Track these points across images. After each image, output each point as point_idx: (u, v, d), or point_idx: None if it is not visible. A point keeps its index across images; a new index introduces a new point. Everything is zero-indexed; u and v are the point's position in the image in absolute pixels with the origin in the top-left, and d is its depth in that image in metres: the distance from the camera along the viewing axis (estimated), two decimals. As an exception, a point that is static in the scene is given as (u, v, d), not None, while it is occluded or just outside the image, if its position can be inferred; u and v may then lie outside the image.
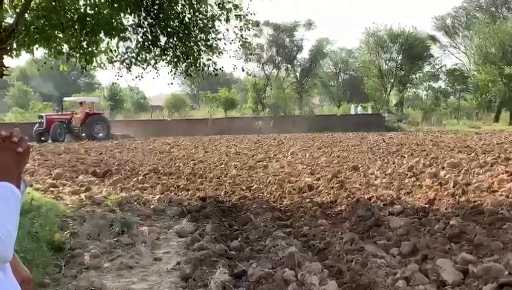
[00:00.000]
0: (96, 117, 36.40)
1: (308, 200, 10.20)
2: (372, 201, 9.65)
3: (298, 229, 7.77)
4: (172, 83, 14.20)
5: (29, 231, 6.73)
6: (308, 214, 8.78)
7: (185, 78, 13.29)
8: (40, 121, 35.21)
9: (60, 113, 38.15)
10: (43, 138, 34.07)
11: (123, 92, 62.78)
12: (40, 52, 12.54)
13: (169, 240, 7.59)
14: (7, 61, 12.18)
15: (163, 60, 12.15)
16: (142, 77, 12.40)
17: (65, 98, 43.09)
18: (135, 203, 10.17)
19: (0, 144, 1.93)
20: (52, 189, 11.99)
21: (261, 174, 14.49)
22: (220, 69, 12.53)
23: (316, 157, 18.80)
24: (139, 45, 11.85)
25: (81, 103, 38.30)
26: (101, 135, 35.79)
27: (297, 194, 10.92)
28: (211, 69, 12.40)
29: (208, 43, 11.93)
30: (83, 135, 35.33)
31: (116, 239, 7.31)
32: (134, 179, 13.44)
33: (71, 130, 35.45)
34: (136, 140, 33.93)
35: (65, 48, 11.70)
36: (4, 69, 11.30)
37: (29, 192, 9.34)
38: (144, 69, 12.21)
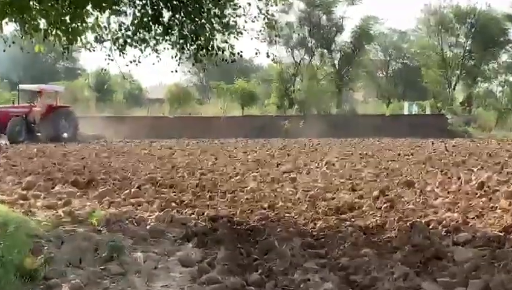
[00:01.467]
0: (61, 111, 36.13)
1: (347, 223, 10.15)
2: (431, 226, 9.58)
3: (335, 261, 7.74)
4: (176, 71, 14.21)
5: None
6: (348, 241, 8.74)
7: (193, 64, 13.30)
8: None
9: (16, 105, 37.69)
10: None
11: (112, 80, 63.23)
12: (9, 27, 12.62)
13: (170, 270, 7.61)
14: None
15: (166, 41, 12.17)
16: (139, 62, 12.44)
17: (21, 85, 42.21)
18: (127, 222, 10.21)
19: None
20: (21, 202, 12.09)
21: (288, 189, 14.46)
22: (239, 53, 12.53)
23: (358, 168, 18.73)
24: (136, 21, 11.87)
25: (39, 92, 37.83)
26: (66, 134, 35.64)
27: (334, 216, 10.87)
28: (227, 53, 12.41)
29: (224, 20, 11.93)
30: (42, 134, 35.10)
31: (102, 267, 7.34)
32: (126, 192, 13.50)
33: (28, 127, 35.16)
34: (112, 142, 33.97)
35: (42, 23, 11.77)
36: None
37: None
38: (142, 51, 12.25)
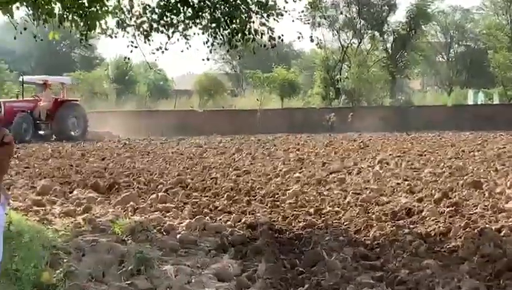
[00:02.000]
0: (70, 106, 35.98)
1: (406, 230, 10.11)
2: (502, 233, 9.51)
3: (393, 273, 7.71)
4: (208, 59, 14.12)
5: (6, 268, 6.90)
6: (407, 251, 8.72)
7: (227, 51, 13.34)
8: None
9: (21, 99, 37.51)
10: None
11: (135, 70, 63.61)
12: (20, 12, 12.74)
13: (204, 285, 7.65)
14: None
15: (196, 25, 12.22)
16: (166, 49, 12.51)
17: (24, 77, 41.81)
18: (154, 230, 10.29)
19: None
20: (36, 208, 12.24)
21: (336, 191, 14.44)
22: (279, 37, 12.54)
23: (417, 167, 18.63)
24: (162, 3, 11.96)
25: (44, 84, 37.75)
26: (76, 132, 35.79)
27: (390, 222, 10.85)
28: (266, 38, 12.42)
29: (262, 0, 11.95)
30: (49, 131, 35.33)
31: (129, 282, 7.41)
32: (153, 196, 13.60)
33: (34, 124, 35.07)
34: (120, 140, 34.06)
35: (57, 7, 11.88)
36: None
37: (6, 213, 9.58)
38: (169, 37, 12.32)
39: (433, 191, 13.73)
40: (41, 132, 35.31)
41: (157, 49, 12.56)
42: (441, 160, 20.53)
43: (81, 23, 11.79)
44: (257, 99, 50.42)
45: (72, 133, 35.25)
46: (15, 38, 12.46)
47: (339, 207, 12.42)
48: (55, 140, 33.68)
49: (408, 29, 60.08)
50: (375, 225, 10.63)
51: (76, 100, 39.06)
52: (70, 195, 14.20)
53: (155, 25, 12.18)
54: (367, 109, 49.97)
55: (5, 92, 53.65)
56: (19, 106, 35.20)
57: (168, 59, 43.93)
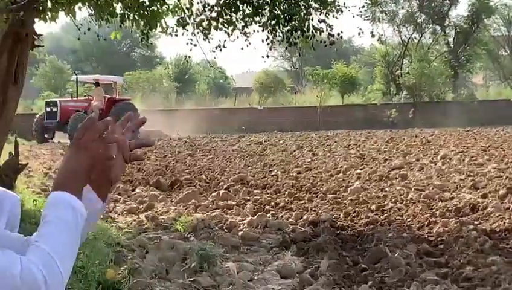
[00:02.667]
0: (122, 105, 35.78)
1: (470, 226, 9.99)
2: None
3: (458, 270, 7.64)
4: (268, 56, 14.14)
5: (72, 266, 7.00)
6: (471, 248, 8.62)
7: (286, 48, 13.33)
8: (49, 110, 34.80)
9: (75, 98, 37.41)
10: (46, 135, 34.20)
11: (195, 69, 64.05)
12: (83, 13, 12.92)
13: (267, 282, 7.68)
14: (40, 26, 12.70)
15: (255, 23, 12.25)
16: (224, 47, 12.57)
17: (79, 76, 41.58)
18: (216, 228, 10.37)
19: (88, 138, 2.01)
20: (100, 207, 12.40)
21: (398, 187, 14.36)
22: (338, 34, 12.51)
23: (481, 163, 18.39)
24: (221, 1, 12.01)
25: (96, 84, 37.65)
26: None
27: (454, 218, 10.74)
28: (325, 35, 12.38)
29: (321, -4, 11.94)
30: None
31: (192, 279, 7.47)
32: (214, 194, 13.70)
33: None
34: (171, 138, 34.14)
35: (119, 7, 12.02)
36: (35, 38, 11.82)
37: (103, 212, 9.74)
38: (229, 35, 12.38)
39: (498, 186, 13.54)
40: None
41: (217, 47, 12.64)
42: (505, 155, 20.22)
43: (142, 23, 11.91)
44: (317, 96, 50.25)
45: None
46: (79, 39, 12.66)
47: (401, 203, 12.35)
48: None
49: (470, 23, 59.31)
50: (438, 221, 10.54)
51: (128, 99, 38.99)
52: (132, 193, 14.39)
53: (214, 23, 12.25)
54: (429, 104, 49.44)
55: (68, 92, 54.29)
56: (73, 105, 35.31)
57: (227, 57, 44.23)
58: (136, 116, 2.11)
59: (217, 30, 12.38)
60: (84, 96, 38.13)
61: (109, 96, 36.64)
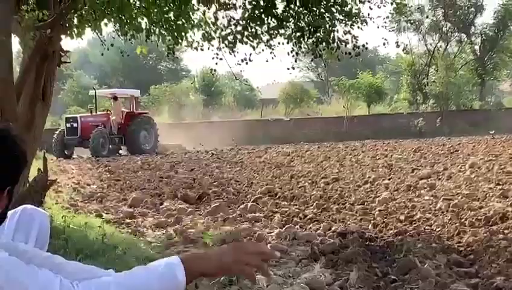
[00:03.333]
0: (141, 120, 36.09)
1: (500, 236, 9.90)
2: None
3: (488, 280, 7.58)
4: (293, 68, 14.17)
5: (103, 281, 7.03)
6: (502, 258, 8.54)
7: (311, 60, 13.35)
8: (69, 125, 34.79)
9: (94, 113, 37.38)
10: (66, 151, 34.11)
11: (221, 81, 64.23)
12: (108, 28, 13.03)
13: (296, 295, 7.66)
14: (66, 43, 12.81)
15: (280, 35, 12.29)
16: (250, 60, 12.60)
17: (98, 91, 41.75)
18: (245, 240, 10.36)
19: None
20: (128, 221, 12.47)
21: (427, 197, 14.28)
22: (363, 45, 12.49)
23: (510, 171, 18.23)
24: (246, 14, 12.05)
25: (114, 98, 37.71)
26: (147, 145, 35.74)
27: (484, 228, 10.65)
28: (350, 46, 12.38)
29: (346, 8, 11.93)
30: (121, 146, 35.47)
31: (221, 292, 7.48)
32: (242, 206, 13.70)
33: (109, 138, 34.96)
34: (192, 152, 34.05)
35: (144, 22, 12.12)
36: (62, 54, 11.93)
37: (99, 226, 9.80)
38: (254, 48, 12.41)
39: (528, 195, 13.45)
40: (115, 146, 35.47)
41: (243, 60, 12.67)
42: (534, 163, 20.08)
43: (168, 37, 11.99)
44: (343, 106, 50.26)
45: (144, 146, 35.33)
46: (102, 54, 12.78)
47: (430, 213, 12.28)
48: (119, 155, 34.03)
49: (496, 31, 59.13)
50: (468, 231, 10.46)
51: (146, 113, 39.16)
52: (160, 207, 14.42)
53: (240, 37, 12.29)
54: (456, 112, 49.28)
55: (88, 108, 54.39)
56: (93, 120, 35.30)
57: (253, 69, 44.25)
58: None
59: (242, 44, 12.42)
60: (102, 110, 38.16)
61: (127, 111, 36.65)
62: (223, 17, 12.47)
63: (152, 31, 12.15)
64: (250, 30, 12.27)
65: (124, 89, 43.01)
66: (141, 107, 43.44)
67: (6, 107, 8.80)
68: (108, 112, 36.93)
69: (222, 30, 12.46)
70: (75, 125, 34.52)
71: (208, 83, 62.36)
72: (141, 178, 20.46)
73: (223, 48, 12.57)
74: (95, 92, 39.52)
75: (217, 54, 12.74)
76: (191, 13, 11.97)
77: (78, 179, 20.35)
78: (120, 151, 35.88)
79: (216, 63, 12.97)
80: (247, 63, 12.94)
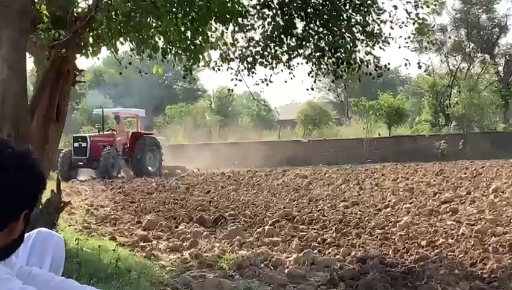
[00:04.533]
0: (146, 141, 35.55)
1: (526, 263, 9.88)
2: None
3: (513, 309, 7.55)
4: (313, 89, 14.15)
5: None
6: (528, 286, 8.51)
7: (333, 81, 13.37)
8: (77, 145, 34.11)
9: (102, 133, 36.64)
10: (72, 173, 33.09)
11: (237, 101, 64.39)
12: (125, 47, 13.07)
13: (315, 322, 7.65)
14: (82, 62, 12.90)
15: (300, 55, 12.32)
16: (270, 81, 12.61)
17: (97, 110, 40.36)
18: (262, 265, 10.35)
19: None
20: (142, 244, 12.49)
21: (449, 222, 14.23)
22: (385, 66, 12.50)
23: (535, 196, 18.19)
24: (265, 34, 12.09)
25: (116, 117, 37.35)
26: (152, 168, 35.14)
27: (508, 254, 10.60)
28: (372, 66, 12.39)
29: (367, 28, 11.95)
30: (126, 168, 34.72)
31: (238, 319, 7.47)
32: (259, 230, 13.69)
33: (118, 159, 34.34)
34: (208, 174, 33.86)
35: (161, 42, 12.17)
36: (77, 73, 12.01)
37: (113, 249, 9.82)
38: (273, 68, 12.44)
39: (553, 220, 13.38)
40: (121, 168, 34.69)
41: (262, 81, 12.68)
42: (561, 187, 19.97)
43: (185, 57, 12.01)
44: (363, 128, 50.18)
45: (150, 168, 34.83)
46: (120, 73, 12.82)
47: (452, 239, 12.22)
48: (117, 177, 32.93)
49: (520, 51, 58.96)
50: (492, 257, 10.41)
51: (151, 133, 38.71)
52: (176, 230, 14.43)
53: (258, 58, 12.31)
54: (479, 135, 49.07)
55: (109, 126, 54.36)
56: (102, 140, 34.69)
57: (270, 89, 44.31)
58: None
59: (262, 65, 12.43)
60: (108, 130, 37.54)
61: (133, 131, 36.42)
62: (242, 38, 12.51)
63: (169, 50, 12.17)
64: (269, 50, 12.29)
65: (128, 109, 41.88)
66: (155, 127, 43.33)
67: (20, 128, 8.86)
68: (114, 131, 36.48)
69: (241, 51, 12.49)
70: (83, 145, 33.86)
71: (225, 103, 62.50)
72: (156, 200, 20.48)
73: (243, 70, 12.58)
74: (102, 111, 38.73)
75: (236, 76, 12.76)
76: (209, 33, 11.99)
77: (91, 201, 20.44)
78: (121, 174, 34.99)
79: (235, 85, 12.98)
80: (267, 84, 12.95)
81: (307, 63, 12.47)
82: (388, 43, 12.21)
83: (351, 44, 11.99)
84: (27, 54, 9.91)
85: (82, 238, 11.03)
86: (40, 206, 9.41)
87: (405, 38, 12.69)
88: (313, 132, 55.94)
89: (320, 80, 14.45)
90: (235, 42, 12.45)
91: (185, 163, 37.95)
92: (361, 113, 55.94)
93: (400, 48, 12.44)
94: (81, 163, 33.63)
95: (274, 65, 12.39)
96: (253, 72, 12.48)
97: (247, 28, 12.15)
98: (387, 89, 62.18)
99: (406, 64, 13.54)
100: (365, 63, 12.25)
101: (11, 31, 8.87)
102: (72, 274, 7.23)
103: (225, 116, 61.15)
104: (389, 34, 12.33)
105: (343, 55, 12.00)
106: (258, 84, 12.92)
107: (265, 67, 12.38)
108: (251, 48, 12.35)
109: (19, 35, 8.99)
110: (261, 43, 12.24)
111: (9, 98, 8.77)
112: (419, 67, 15.50)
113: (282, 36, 12.00)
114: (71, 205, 15.80)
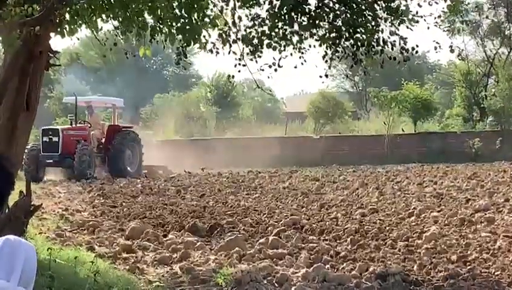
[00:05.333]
0: (125, 135, 34.75)
1: None
2: None
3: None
4: (327, 76, 14.01)
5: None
6: None
7: (351, 67, 13.34)
8: (47, 139, 33.07)
9: (75, 126, 35.42)
10: (39, 173, 31.85)
11: (237, 90, 64.21)
12: (107, 26, 12.95)
13: None
14: (56, 42, 12.85)
15: (312, 36, 12.27)
16: (279, 66, 12.50)
17: (66, 98, 40.28)
18: (265, 281, 10.36)
19: None
20: (125, 255, 12.50)
21: (484, 234, 14.22)
22: (413, 49, 12.45)
23: None
24: (273, 11, 12.02)
25: (89, 108, 36.57)
26: (132, 167, 34.42)
27: (552, 272, 10.63)
28: (396, 49, 12.36)
29: (392, 4, 11.90)
30: (102, 167, 33.96)
31: None
32: (262, 241, 13.70)
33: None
34: (201, 175, 33.76)
35: (150, 19, 12.10)
36: (51, 56, 11.99)
37: (91, 261, 9.82)
38: (281, 52, 12.38)
39: None
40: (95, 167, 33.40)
41: (270, 66, 12.53)
42: None
43: (178, 37, 11.88)
44: (384, 123, 50.11)
45: (129, 168, 34.03)
46: (104, 56, 12.78)
47: (487, 253, 12.23)
48: (94, 178, 31.72)
49: None
50: (533, 275, 10.43)
51: (131, 127, 37.67)
52: (164, 239, 14.43)
53: (265, 39, 12.19)
54: (520, 132, 49.07)
55: (68, 118, 53.20)
56: (74, 134, 33.62)
57: (277, 76, 43.92)
58: None
59: (269, 48, 12.32)
60: (79, 122, 36.08)
61: (109, 124, 35.84)
62: (246, 15, 12.40)
63: (159, 29, 12.06)
64: (276, 31, 12.17)
65: (103, 97, 41.13)
66: (141, 120, 43.06)
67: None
68: (87, 123, 35.51)
69: (244, 31, 12.38)
70: (55, 139, 32.91)
71: (223, 92, 62.32)
72: (141, 205, 20.48)
73: (247, 54, 12.44)
74: (76, 99, 36.55)
75: (240, 60, 12.65)
76: (205, 9, 11.89)
77: (66, 205, 20.44)
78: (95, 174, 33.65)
79: (239, 71, 12.83)
80: (276, 70, 12.77)
81: (320, 45, 12.42)
82: (416, 21, 12.15)
83: (373, 23, 11.95)
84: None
85: (55, 247, 11.05)
86: (7, 210, 9.41)
87: (435, 17, 12.63)
88: (326, 126, 55.87)
89: (335, 66, 14.42)
90: (238, 20, 12.37)
91: (173, 162, 37.72)
92: (382, 105, 55.75)
93: (428, 28, 12.27)
94: (51, 161, 32.71)
95: (282, 48, 12.32)
96: (258, 56, 12.39)
97: (251, 2, 12.07)
98: (412, 77, 61.89)
99: (435, 48, 13.47)
100: (389, 45, 12.19)
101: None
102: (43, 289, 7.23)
103: (223, 108, 60.90)
104: (416, 13, 12.30)
105: (363, 36, 11.96)
106: (264, 70, 12.77)
107: (274, 49, 12.28)
108: (256, 28, 12.27)
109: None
110: (267, 22, 12.17)
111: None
112: (452, 51, 15.63)
113: (293, 13, 11.95)
114: (43, 209, 15.80)
